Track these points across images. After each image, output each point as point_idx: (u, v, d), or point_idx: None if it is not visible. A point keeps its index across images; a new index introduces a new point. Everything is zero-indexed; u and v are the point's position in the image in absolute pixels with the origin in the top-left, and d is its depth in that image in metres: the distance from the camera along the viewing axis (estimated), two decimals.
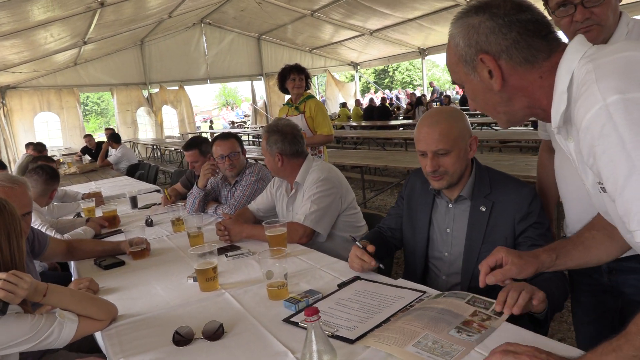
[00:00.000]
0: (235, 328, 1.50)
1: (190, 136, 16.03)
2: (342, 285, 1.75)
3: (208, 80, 16.72)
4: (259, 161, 3.27)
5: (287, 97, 4.56)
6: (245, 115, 23.30)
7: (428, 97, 16.18)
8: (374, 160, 5.63)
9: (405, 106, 16.53)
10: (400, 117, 15.34)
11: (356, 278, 1.80)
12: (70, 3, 8.32)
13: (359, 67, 18.66)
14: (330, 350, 1.17)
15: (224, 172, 3.13)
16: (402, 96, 21.27)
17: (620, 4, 1.54)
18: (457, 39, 1.08)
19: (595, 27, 1.46)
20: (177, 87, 16.18)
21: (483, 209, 1.74)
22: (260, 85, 17.74)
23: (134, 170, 7.17)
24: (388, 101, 16.73)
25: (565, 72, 0.98)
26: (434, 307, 1.45)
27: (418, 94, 16.51)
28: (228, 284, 1.89)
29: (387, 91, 25.47)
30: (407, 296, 1.60)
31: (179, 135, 16.09)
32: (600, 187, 1.00)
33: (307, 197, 2.40)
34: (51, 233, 2.71)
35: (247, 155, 3.42)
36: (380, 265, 1.79)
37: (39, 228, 2.72)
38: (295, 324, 1.47)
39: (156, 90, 15.90)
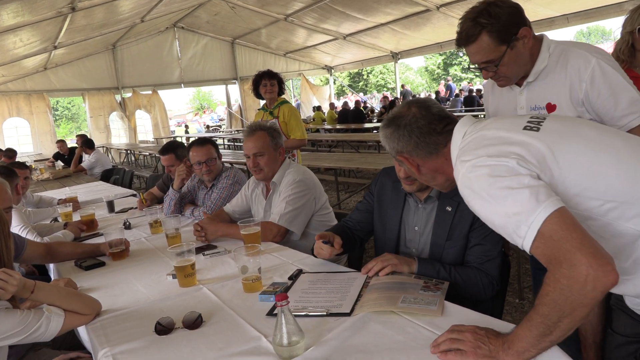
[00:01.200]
0: (213, 318, 1.62)
1: (165, 141, 15.91)
2: (292, 278, 1.90)
3: (182, 85, 16.69)
4: (234, 165, 3.37)
5: (263, 102, 4.70)
6: (220, 119, 23.28)
7: (401, 100, 16.46)
8: (346, 163, 5.79)
9: (379, 109, 16.78)
10: (375, 120, 15.58)
11: (300, 271, 1.96)
12: (40, 8, 8.28)
13: (333, 70, 18.88)
14: (298, 331, 1.31)
15: (200, 177, 3.24)
16: (373, 99, 21.61)
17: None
18: (384, 143, 1.54)
19: (502, 78, 1.79)
20: (150, 92, 16.12)
21: (449, 208, 1.88)
22: (235, 89, 17.79)
23: (109, 176, 7.17)
24: (362, 104, 16.94)
25: (454, 148, 1.36)
26: (392, 281, 1.70)
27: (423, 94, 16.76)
28: (206, 280, 2.01)
29: (361, 94, 25.83)
30: (358, 276, 1.82)
31: (153, 139, 16.02)
32: None
33: (283, 198, 2.53)
34: (32, 236, 2.78)
35: (223, 160, 3.52)
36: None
37: (20, 231, 2.78)
38: None
39: (129, 94, 15.81)
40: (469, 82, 25.06)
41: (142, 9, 11.94)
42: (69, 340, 2.26)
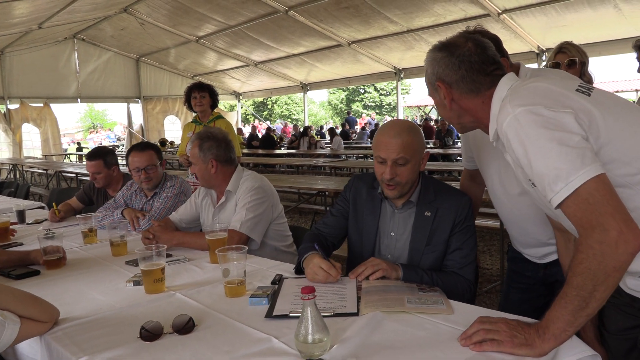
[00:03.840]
0: (204, 323, 1.46)
1: (54, 158, 14.59)
2: (275, 283, 1.80)
3: (79, 99, 15.58)
4: (180, 176, 3.15)
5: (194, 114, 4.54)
6: (118, 139, 21.97)
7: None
8: (276, 182, 5.72)
9: (291, 137, 16.94)
10: (284, 147, 15.68)
11: (281, 277, 1.86)
12: None
13: (241, 97, 18.77)
14: (324, 328, 1.21)
15: (139, 184, 2.99)
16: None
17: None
18: (427, 66, 1.44)
19: None
20: (42, 104, 14.80)
21: (428, 214, 1.90)
22: (137, 108, 16.94)
23: None
24: (272, 132, 16.99)
25: (498, 100, 1.32)
26: (385, 284, 1.69)
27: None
28: (175, 287, 1.82)
29: (268, 122, 26.03)
30: (347, 280, 1.76)
31: (41, 156, 14.64)
32: (532, 183, 1.27)
33: (242, 205, 2.40)
34: None
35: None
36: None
37: None
38: (284, 316, 1.47)
39: (16, 105, 14.38)
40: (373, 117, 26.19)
41: (41, 15, 11.05)
42: None
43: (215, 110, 4.43)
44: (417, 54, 11.86)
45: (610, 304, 1.43)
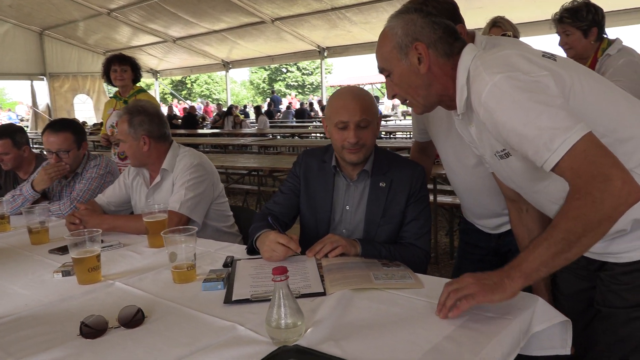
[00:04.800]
0: (154, 314, 1.30)
1: None
2: (227, 265, 1.67)
3: None
4: (104, 154, 2.86)
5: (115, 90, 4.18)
6: (21, 120, 20.13)
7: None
8: None
9: (214, 117, 16.42)
10: (208, 127, 15.17)
11: (232, 258, 1.73)
12: None
13: (158, 75, 17.85)
14: (298, 311, 1.10)
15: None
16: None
17: None
18: (396, 29, 1.32)
19: None
20: None
21: (382, 184, 1.84)
22: (42, 86, 15.57)
23: None
24: (195, 111, 16.37)
25: (463, 69, 1.28)
26: (345, 261, 1.61)
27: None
28: (112, 275, 1.63)
29: (189, 102, 25.09)
30: (305, 259, 1.68)
31: None
32: (499, 155, 1.24)
33: (180, 184, 2.21)
34: None
35: None
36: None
37: None
38: (246, 300, 1.34)
39: None
40: (295, 97, 26.06)
41: None
42: None
43: (136, 85, 4.09)
44: (340, 33, 11.83)
45: (565, 268, 1.45)
